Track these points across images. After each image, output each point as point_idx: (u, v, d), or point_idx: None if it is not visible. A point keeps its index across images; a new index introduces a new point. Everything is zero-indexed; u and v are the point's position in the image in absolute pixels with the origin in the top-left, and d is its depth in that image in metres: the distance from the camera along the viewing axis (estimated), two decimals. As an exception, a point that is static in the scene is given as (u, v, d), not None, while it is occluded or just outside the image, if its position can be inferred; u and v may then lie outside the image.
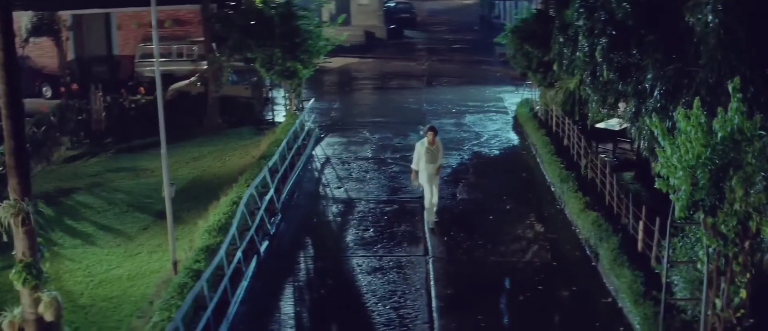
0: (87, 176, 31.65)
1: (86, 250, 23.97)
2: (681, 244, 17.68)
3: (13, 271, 14.32)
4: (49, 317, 14.48)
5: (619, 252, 20.24)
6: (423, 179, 24.64)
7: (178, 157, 32.60)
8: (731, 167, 14.03)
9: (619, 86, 22.42)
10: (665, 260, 16.51)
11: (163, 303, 17.70)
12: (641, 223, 21.20)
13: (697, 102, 14.45)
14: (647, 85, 20.60)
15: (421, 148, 24.52)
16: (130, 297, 20.56)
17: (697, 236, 16.63)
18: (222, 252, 20.01)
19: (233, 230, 21.52)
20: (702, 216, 14.32)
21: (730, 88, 14.22)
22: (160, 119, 20.43)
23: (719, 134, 14.03)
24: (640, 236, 21.17)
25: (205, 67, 40.50)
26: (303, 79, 37.90)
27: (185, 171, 31.63)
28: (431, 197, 24.73)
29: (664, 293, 16.55)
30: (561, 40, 28.89)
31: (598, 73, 24.05)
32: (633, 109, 21.57)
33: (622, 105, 29.03)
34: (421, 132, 28.08)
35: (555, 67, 30.93)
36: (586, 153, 28.52)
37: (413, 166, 24.85)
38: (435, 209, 24.94)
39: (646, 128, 20.83)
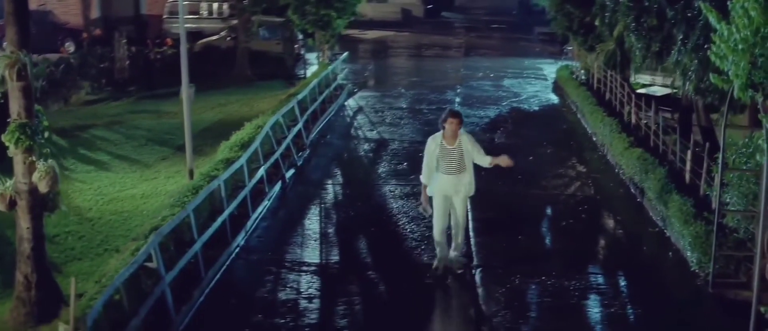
0: (106, 116, 30.27)
1: (99, 174, 22.52)
2: (734, 156, 16.37)
3: (6, 132, 12.75)
4: (43, 187, 12.93)
5: (666, 181, 18.95)
6: (436, 201, 15.34)
7: (204, 103, 31.20)
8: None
9: (667, 10, 21.26)
10: (720, 161, 14.96)
11: (175, 200, 16.26)
12: (689, 152, 20.17)
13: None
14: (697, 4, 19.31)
15: (433, 147, 15.15)
16: (142, 212, 19.20)
17: (751, 149, 15.72)
18: (242, 160, 18.57)
19: (256, 144, 20.14)
20: (761, 99, 12.97)
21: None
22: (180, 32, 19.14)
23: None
24: (688, 166, 20.03)
25: (235, 22, 39.11)
26: (337, 31, 36.42)
27: (211, 114, 30.29)
28: (441, 232, 15.42)
29: (718, 199, 14.99)
30: (603, -10, 28.22)
31: (642, 19, 23.12)
32: (681, 37, 20.31)
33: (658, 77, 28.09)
34: (444, 116, 15.16)
35: (597, 22, 30.38)
36: (629, 100, 27.09)
37: (423, 178, 15.42)
38: (455, 252, 15.81)
39: (694, 64, 19.64)
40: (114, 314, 11.80)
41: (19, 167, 12.96)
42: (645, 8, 23.20)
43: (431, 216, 15.54)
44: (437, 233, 15.39)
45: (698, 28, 19.29)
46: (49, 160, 13.03)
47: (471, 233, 17.66)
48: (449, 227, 15.53)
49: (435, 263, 15.62)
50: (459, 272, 15.54)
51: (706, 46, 17.70)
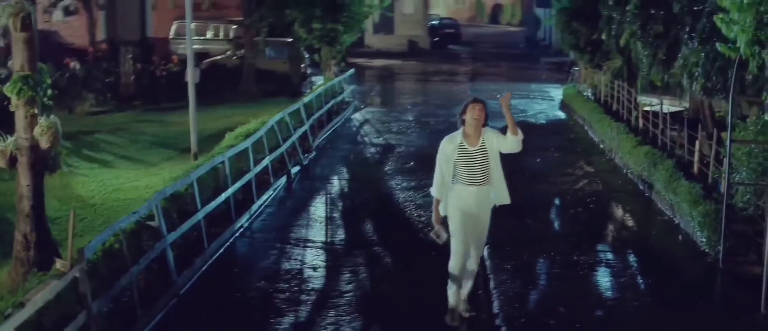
0: (111, 124, 29.95)
1: (103, 170, 22.30)
2: (743, 133, 16.19)
3: (8, 83, 12.57)
4: (45, 143, 12.73)
5: (674, 171, 18.92)
6: (455, 221, 11.46)
7: (209, 115, 30.89)
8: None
9: (674, 4, 21.61)
10: (728, 136, 15.03)
11: (180, 176, 16.07)
12: (697, 143, 19.99)
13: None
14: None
15: (450, 150, 11.43)
16: (145, 199, 18.74)
17: (759, 127, 15.72)
18: (247, 144, 18.39)
19: (261, 133, 20.06)
20: (767, 55, 12.93)
21: None
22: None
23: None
24: (697, 156, 19.81)
25: (241, 41, 39.05)
26: (344, 46, 36.33)
27: (216, 124, 29.83)
28: (462, 265, 11.52)
29: (727, 175, 15.04)
30: (610, 3, 28.20)
31: (648, 26, 23.58)
32: (687, 30, 20.35)
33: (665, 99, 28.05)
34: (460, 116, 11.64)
35: (604, 36, 30.27)
36: (637, 107, 27.33)
37: (434, 190, 11.63)
38: (468, 286, 11.83)
39: (701, 59, 19.66)
40: (114, 263, 11.57)
41: (20, 121, 12.77)
42: (651, 15, 23.19)
43: (447, 241, 11.57)
44: (455, 265, 11.46)
45: (704, 14, 19.24)
46: (52, 116, 12.82)
47: (478, 218, 17.51)
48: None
49: (448, 316, 11.72)
50: (467, 315, 11.94)
51: (712, 39, 17.65)
